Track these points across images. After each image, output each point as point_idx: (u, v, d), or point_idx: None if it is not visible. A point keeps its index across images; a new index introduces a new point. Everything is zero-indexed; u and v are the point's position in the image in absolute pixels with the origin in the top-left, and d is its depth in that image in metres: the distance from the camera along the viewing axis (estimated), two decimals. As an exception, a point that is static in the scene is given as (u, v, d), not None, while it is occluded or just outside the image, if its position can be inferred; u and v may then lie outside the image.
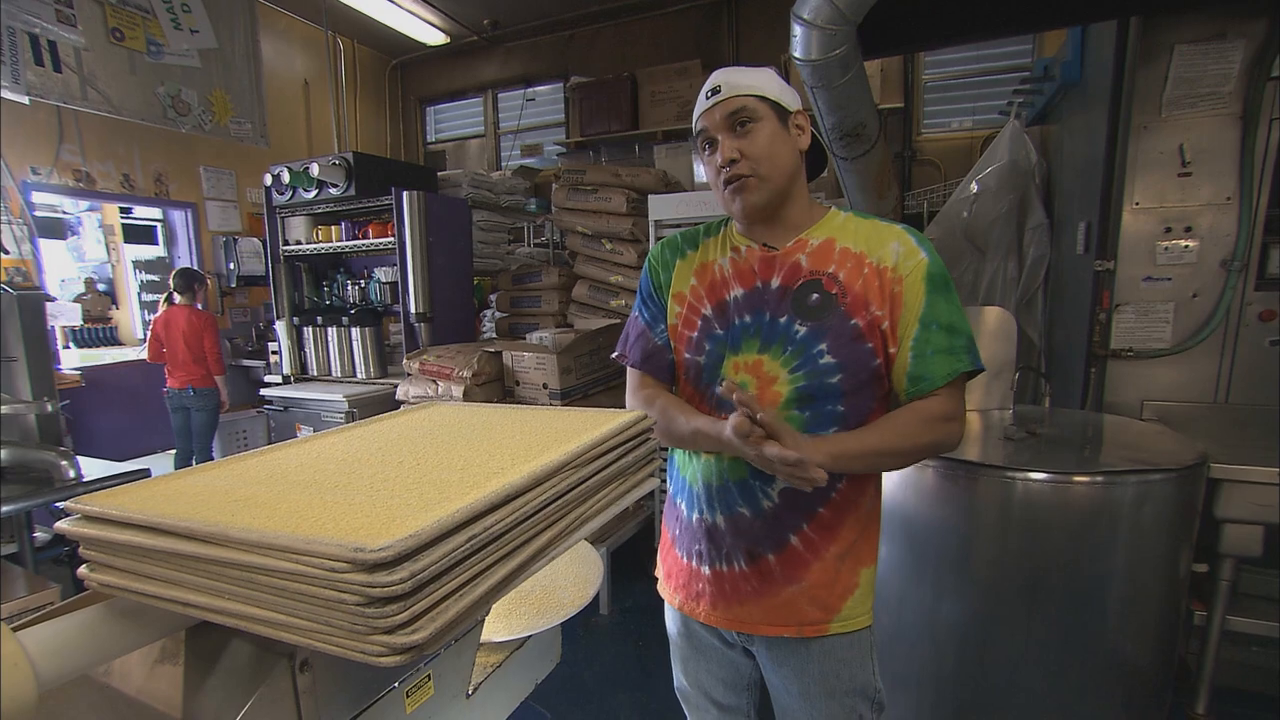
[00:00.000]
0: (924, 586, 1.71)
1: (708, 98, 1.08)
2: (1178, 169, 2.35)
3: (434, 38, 6.05)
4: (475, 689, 1.11)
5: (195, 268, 4.87)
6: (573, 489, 0.83)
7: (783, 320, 1.07)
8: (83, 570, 0.72)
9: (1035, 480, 1.52)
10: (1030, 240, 3.28)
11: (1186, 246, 2.37)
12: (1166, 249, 2.39)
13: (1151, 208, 2.40)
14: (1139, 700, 1.70)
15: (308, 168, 3.46)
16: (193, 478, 0.83)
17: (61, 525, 0.71)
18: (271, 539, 0.58)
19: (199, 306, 4.24)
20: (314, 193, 3.52)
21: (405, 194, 3.31)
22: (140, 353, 5.23)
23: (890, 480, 1.74)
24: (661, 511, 1.32)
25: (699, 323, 1.14)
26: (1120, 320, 2.44)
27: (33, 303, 2.00)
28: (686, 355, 1.15)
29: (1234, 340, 2.35)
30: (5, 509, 1.70)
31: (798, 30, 2.02)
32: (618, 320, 3.59)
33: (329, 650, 0.59)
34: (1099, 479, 1.51)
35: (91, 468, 2.00)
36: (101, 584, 0.71)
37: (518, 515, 0.70)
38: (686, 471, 1.18)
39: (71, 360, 4.80)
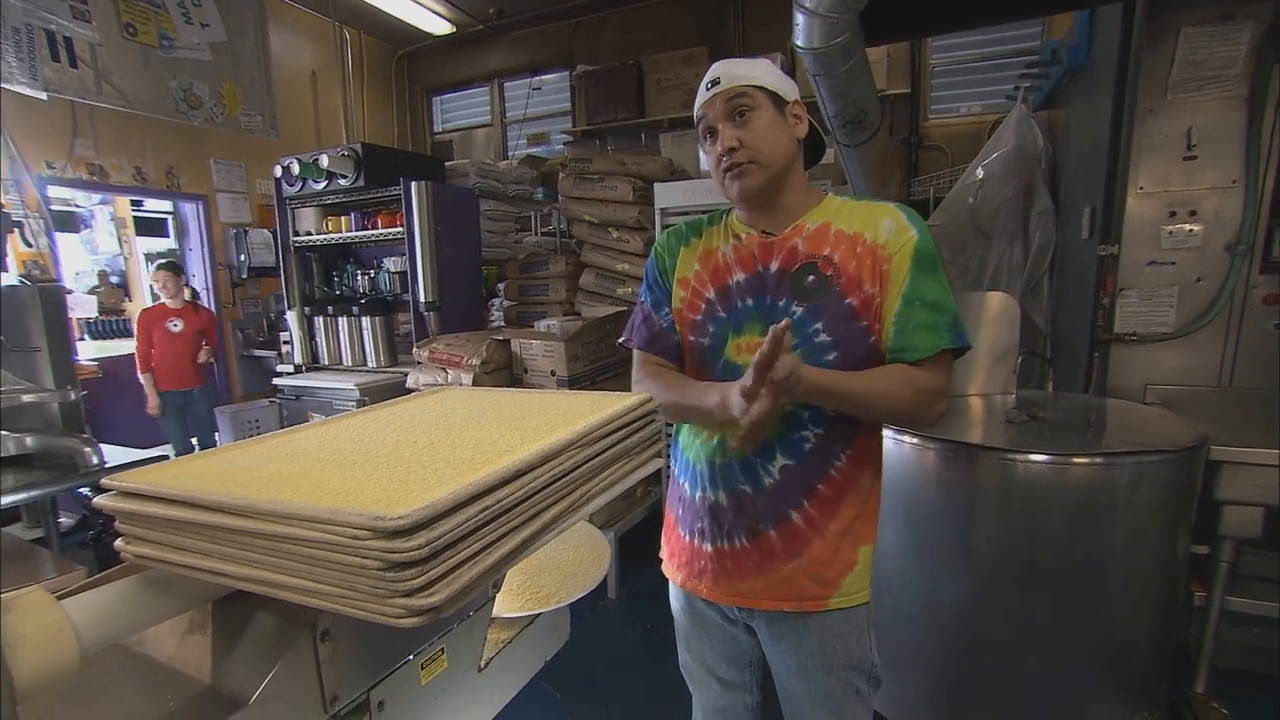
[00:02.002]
0: (924, 567, 1.74)
1: (708, 89, 1.12)
2: (1183, 153, 2.35)
3: (440, 27, 6.04)
4: (487, 663, 1.15)
5: (174, 260, 4.90)
6: (579, 467, 0.86)
7: (781, 303, 1.10)
8: (119, 543, 0.76)
9: (1035, 462, 1.55)
10: (1036, 225, 3.27)
11: (1191, 230, 2.37)
12: (1171, 233, 2.39)
13: (1156, 192, 2.39)
14: (1137, 680, 1.73)
15: (317, 159, 3.49)
16: (217, 458, 0.87)
17: (100, 500, 0.76)
18: (297, 510, 0.62)
19: (165, 302, 4.29)
20: (323, 184, 3.56)
21: (414, 184, 3.34)
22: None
23: (891, 461, 1.76)
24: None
25: (703, 306, 1.18)
26: (1124, 304, 2.44)
27: (53, 295, 2.06)
28: (691, 338, 1.19)
29: (1238, 324, 2.36)
30: (31, 494, 1.75)
31: (799, 18, 2.03)
32: (625, 308, 3.61)
33: (352, 613, 0.63)
34: (1097, 460, 1.53)
35: (113, 455, 2.05)
36: (137, 556, 0.75)
37: (527, 490, 0.74)
38: (690, 451, 1.21)
39: (88, 351, 4.88)
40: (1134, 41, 2.30)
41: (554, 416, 0.97)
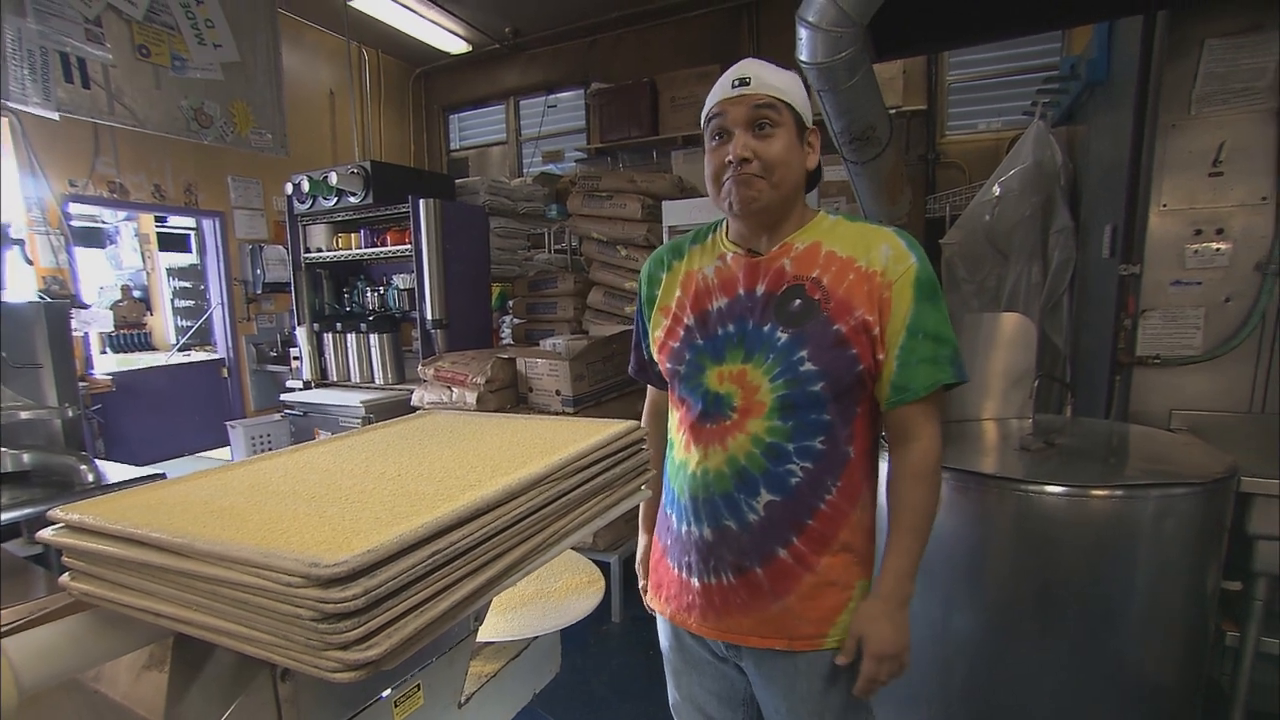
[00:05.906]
0: (933, 601, 1.66)
1: (733, 86, 1.03)
2: (1208, 169, 2.26)
3: (456, 46, 6.13)
4: (468, 699, 1.10)
5: None
6: (552, 502, 0.82)
7: (766, 328, 1.05)
8: (64, 579, 0.73)
9: (1050, 494, 1.47)
10: (1055, 244, 3.19)
11: (1218, 249, 2.27)
12: (1196, 252, 2.29)
13: (1180, 209, 2.31)
14: (1165, 722, 1.63)
15: (326, 176, 3.52)
16: (181, 486, 0.84)
17: (44, 534, 0.72)
18: (233, 552, 0.58)
19: None
20: (333, 201, 3.58)
21: (422, 202, 3.35)
22: (171, 358, 5.39)
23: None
24: None
25: (681, 333, 1.13)
26: (1147, 326, 2.35)
27: (58, 311, 2.07)
28: (668, 365, 1.15)
29: (1270, 346, 2.25)
30: (28, 511, 1.75)
31: (803, 33, 1.99)
32: (632, 326, 3.58)
33: (289, 665, 0.58)
34: (1118, 493, 1.45)
35: (114, 472, 2.05)
36: (82, 593, 0.72)
37: (488, 530, 0.69)
38: (675, 483, 1.16)
39: (107, 365, 4.95)
40: (1154, 54, 2.23)
41: (533, 446, 0.93)
